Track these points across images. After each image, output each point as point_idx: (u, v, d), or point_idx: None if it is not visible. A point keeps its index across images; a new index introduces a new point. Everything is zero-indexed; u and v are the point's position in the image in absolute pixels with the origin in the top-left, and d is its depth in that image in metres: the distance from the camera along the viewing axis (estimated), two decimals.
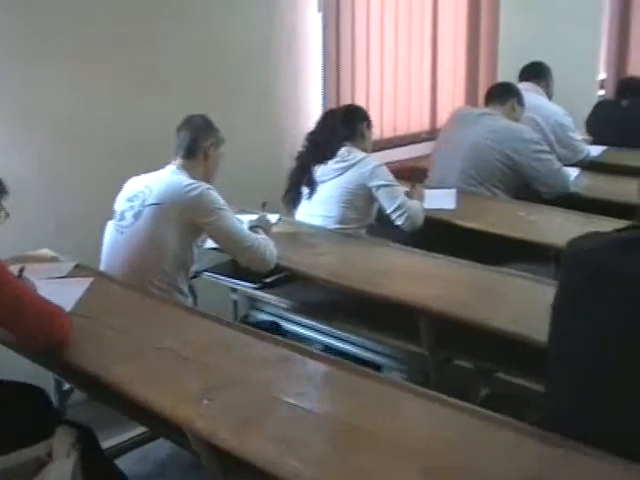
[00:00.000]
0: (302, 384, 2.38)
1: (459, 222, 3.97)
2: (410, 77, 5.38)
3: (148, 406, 2.32)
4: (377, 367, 3.71)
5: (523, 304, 2.96)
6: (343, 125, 3.96)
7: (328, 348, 3.85)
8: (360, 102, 4.99)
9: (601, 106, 6.07)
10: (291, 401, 2.25)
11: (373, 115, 5.05)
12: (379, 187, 3.84)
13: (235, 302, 4.06)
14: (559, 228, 3.73)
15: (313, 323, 3.74)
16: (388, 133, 5.29)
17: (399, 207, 3.83)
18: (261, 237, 3.42)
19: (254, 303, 4.02)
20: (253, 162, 4.37)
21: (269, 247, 3.38)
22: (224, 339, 2.72)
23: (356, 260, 3.52)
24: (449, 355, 3.18)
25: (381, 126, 5.22)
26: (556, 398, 2.19)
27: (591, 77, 7.25)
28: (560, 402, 2.17)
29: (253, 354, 2.59)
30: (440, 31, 5.54)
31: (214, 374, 2.43)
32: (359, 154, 3.89)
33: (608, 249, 2.15)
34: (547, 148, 4.55)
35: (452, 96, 5.70)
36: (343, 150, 3.89)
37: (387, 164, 5.06)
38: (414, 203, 3.93)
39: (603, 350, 2.09)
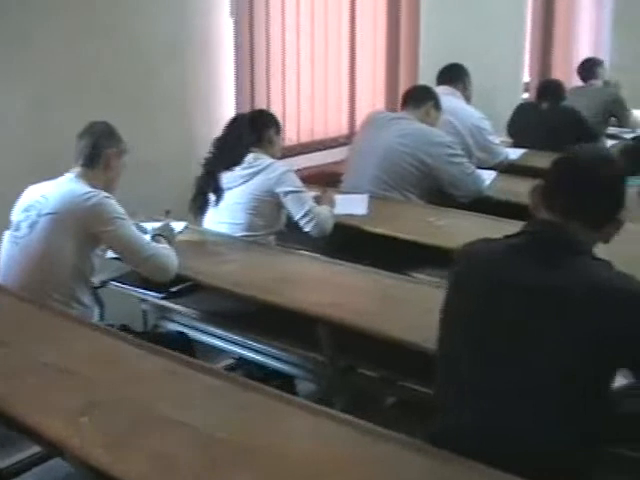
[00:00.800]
0: (187, 399, 2.32)
1: (368, 228, 3.92)
2: (327, 81, 5.33)
3: (26, 424, 2.24)
4: (290, 378, 3.68)
5: (423, 312, 2.91)
6: (250, 131, 3.89)
7: (242, 359, 3.80)
8: (276, 107, 4.94)
9: (521, 109, 6.08)
10: (174, 417, 2.19)
11: (290, 120, 5.03)
12: (287, 193, 3.78)
13: (145, 312, 3.97)
14: (466, 232, 3.68)
15: (224, 333, 3.66)
16: (305, 138, 5.23)
17: (307, 213, 3.78)
18: (161, 247, 3.34)
19: (163, 313, 3.93)
20: (162, 169, 4.28)
21: (170, 257, 3.31)
22: (113, 352, 2.64)
23: (260, 268, 3.45)
24: (351, 364, 3.13)
25: (298, 131, 5.17)
26: (445, 411, 2.15)
27: (515, 80, 7.27)
28: (448, 415, 2.13)
29: (141, 368, 2.53)
30: (358, 34, 5.49)
31: (97, 389, 2.36)
32: (266, 160, 3.82)
33: (497, 256, 2.13)
34: (460, 152, 4.53)
35: (372, 100, 5.67)
36: (250, 156, 3.83)
37: (304, 169, 5.05)
38: (323, 209, 3.88)
39: (490, 362, 2.06)
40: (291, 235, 3.97)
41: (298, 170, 4.91)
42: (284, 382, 3.85)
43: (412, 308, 2.98)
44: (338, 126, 5.45)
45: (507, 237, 2.17)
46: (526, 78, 7.57)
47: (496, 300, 2.06)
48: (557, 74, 7.70)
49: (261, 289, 3.19)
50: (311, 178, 4.85)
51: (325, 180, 4.79)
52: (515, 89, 7.21)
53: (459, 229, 3.82)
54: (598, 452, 2.07)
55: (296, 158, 5.05)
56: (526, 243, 2.10)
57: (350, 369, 3.15)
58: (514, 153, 5.52)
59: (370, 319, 2.85)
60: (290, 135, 5.11)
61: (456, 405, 2.10)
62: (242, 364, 3.90)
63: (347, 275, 3.33)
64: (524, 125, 5.92)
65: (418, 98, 4.68)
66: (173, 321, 3.89)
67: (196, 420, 2.17)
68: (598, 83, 6.70)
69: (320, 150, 5.29)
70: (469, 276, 2.15)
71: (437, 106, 4.70)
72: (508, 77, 7.10)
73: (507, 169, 5.21)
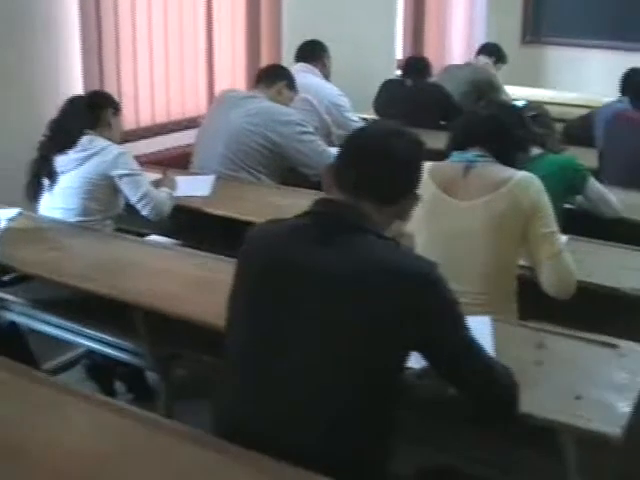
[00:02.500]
0: None
1: (209, 209, 3.83)
2: (184, 60, 5.18)
3: None
4: (139, 369, 3.58)
5: None
6: (87, 112, 3.75)
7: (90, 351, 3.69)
8: (128, 88, 4.80)
9: (387, 85, 6.03)
10: None
11: (143, 101, 4.88)
12: (122, 176, 3.65)
13: None
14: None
15: (62, 322, 3.53)
16: (161, 119, 5.09)
17: (143, 196, 3.66)
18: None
19: (3, 303, 3.77)
20: (7, 153, 4.08)
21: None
22: None
23: (86, 255, 3.33)
24: (175, 352, 3.03)
25: (153, 112, 5.02)
26: (231, 398, 2.07)
27: (389, 57, 7.23)
28: (235, 402, 2.05)
29: None
30: (215, 9, 5.34)
31: None
32: (102, 142, 3.68)
33: (278, 238, 2.05)
34: (311, 130, 4.45)
35: (232, 78, 5.54)
36: (85, 139, 3.68)
37: (160, 151, 4.93)
38: (160, 192, 3.78)
39: (270, 347, 1.98)
40: (134, 218, 3.85)
41: (152, 153, 4.83)
42: (132, 371, 3.76)
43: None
44: (197, 106, 5.31)
45: (296, 217, 2.09)
46: (400, 55, 7.52)
47: (274, 283, 1.99)
48: (430, 51, 7.71)
49: (82, 277, 3.06)
50: (166, 160, 4.75)
51: (182, 161, 4.67)
52: (388, 66, 7.17)
53: (299, 209, 3.73)
54: (391, 444, 2.00)
55: (150, 140, 4.92)
56: (309, 223, 2.02)
57: (174, 357, 3.05)
58: None
59: (181, 304, 2.75)
60: (144, 117, 4.96)
61: (241, 392, 2.02)
62: (89, 353, 3.81)
63: (172, 260, 3.23)
64: (389, 102, 5.89)
65: (270, 77, 4.59)
66: (13, 311, 3.74)
67: None
68: (477, 62, 6.71)
69: (177, 131, 5.14)
70: (251, 258, 2.07)
71: (290, 85, 4.61)
72: (381, 54, 7.07)
73: None
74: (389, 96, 5.92)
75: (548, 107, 6.63)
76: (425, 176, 2.81)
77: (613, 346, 2.39)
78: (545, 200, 2.78)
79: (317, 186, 4.22)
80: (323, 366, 1.89)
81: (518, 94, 7.12)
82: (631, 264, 3.13)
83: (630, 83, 4.97)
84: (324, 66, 5.27)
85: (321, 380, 1.89)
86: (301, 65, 5.19)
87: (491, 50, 6.84)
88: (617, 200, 3.80)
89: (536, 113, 3.77)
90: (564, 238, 3.23)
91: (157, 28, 4.99)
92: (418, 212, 2.84)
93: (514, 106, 3.16)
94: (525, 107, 3.87)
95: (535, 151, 3.65)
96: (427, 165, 2.90)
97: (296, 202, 3.75)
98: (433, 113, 5.64)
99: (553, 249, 2.75)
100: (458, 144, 2.95)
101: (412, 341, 1.92)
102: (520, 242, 2.79)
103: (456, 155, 2.91)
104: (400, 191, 2.08)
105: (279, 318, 1.96)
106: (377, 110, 6.01)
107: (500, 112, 2.99)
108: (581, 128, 5.33)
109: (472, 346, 1.98)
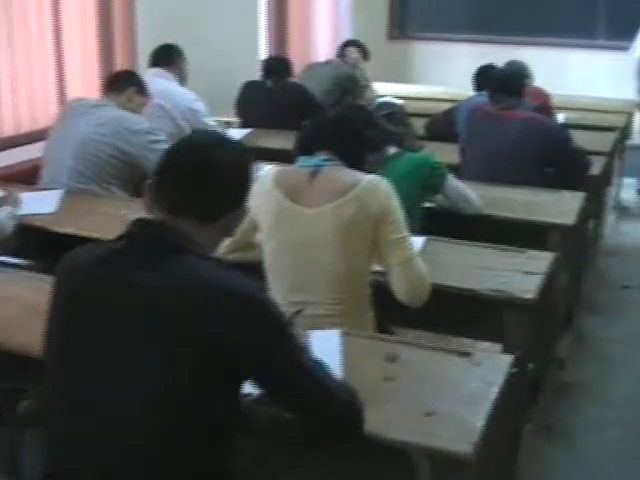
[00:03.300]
0: None
1: (55, 227, 3.59)
2: (32, 68, 4.91)
3: None
4: None
5: None
6: None
7: None
8: None
9: (247, 87, 5.87)
10: None
11: None
12: None
13: None
14: None
15: None
16: (8, 131, 4.81)
17: None
18: None
19: None
20: None
21: None
22: None
23: None
24: (16, 385, 2.81)
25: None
26: (52, 445, 1.87)
27: (252, 59, 7.07)
28: (56, 450, 1.85)
29: None
30: (64, 14, 5.08)
31: None
32: None
33: (91, 263, 1.87)
34: (164, 138, 4.26)
35: (85, 86, 5.30)
36: None
37: (10, 166, 4.66)
38: (0, 211, 3.54)
39: (81, 384, 1.80)
40: None
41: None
42: None
43: None
44: (47, 117, 5.04)
45: (111, 241, 1.91)
46: (264, 55, 7.36)
47: (84, 317, 1.81)
48: (295, 50, 7.58)
49: None
50: (16, 175, 4.49)
51: (32, 176, 4.42)
52: (252, 68, 7.00)
53: None
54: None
55: None
56: (124, 247, 1.85)
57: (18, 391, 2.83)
58: (237, 133, 5.31)
59: (16, 333, 2.54)
60: None
61: (61, 438, 1.83)
62: None
63: (9, 284, 3.00)
64: (250, 104, 5.75)
65: (120, 83, 4.38)
66: None
67: None
68: (347, 57, 6.63)
69: (27, 144, 4.87)
70: (61, 291, 1.89)
71: (141, 91, 4.41)
72: (244, 56, 6.91)
73: None
74: (250, 98, 5.78)
75: (415, 102, 6.71)
76: (270, 184, 2.69)
77: (467, 355, 2.29)
78: (394, 204, 2.67)
79: None
80: (136, 407, 1.72)
81: (385, 90, 7.10)
82: (489, 264, 3.06)
83: (486, 78, 4.93)
84: (180, 70, 5.08)
85: (134, 425, 1.72)
86: (155, 70, 5.00)
87: (356, 46, 6.77)
88: (477, 196, 3.74)
89: (391, 111, 3.68)
90: (421, 240, 3.15)
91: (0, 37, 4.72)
92: (265, 221, 2.72)
93: (363, 106, 3.05)
94: (380, 106, 3.78)
95: (391, 150, 3.56)
96: (272, 172, 2.78)
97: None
98: (294, 113, 5.49)
99: (404, 255, 2.64)
100: (305, 148, 2.82)
101: (242, 369, 1.77)
102: (371, 248, 2.68)
103: (302, 160, 2.78)
104: (223, 207, 1.92)
105: (85, 353, 1.78)
106: (238, 113, 5.86)
107: (348, 112, 2.87)
108: (444, 123, 5.30)
109: (307, 368, 1.83)
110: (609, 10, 8.38)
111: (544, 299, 2.95)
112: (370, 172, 2.77)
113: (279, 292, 2.74)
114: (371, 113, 2.96)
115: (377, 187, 2.66)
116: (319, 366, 1.88)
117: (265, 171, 2.83)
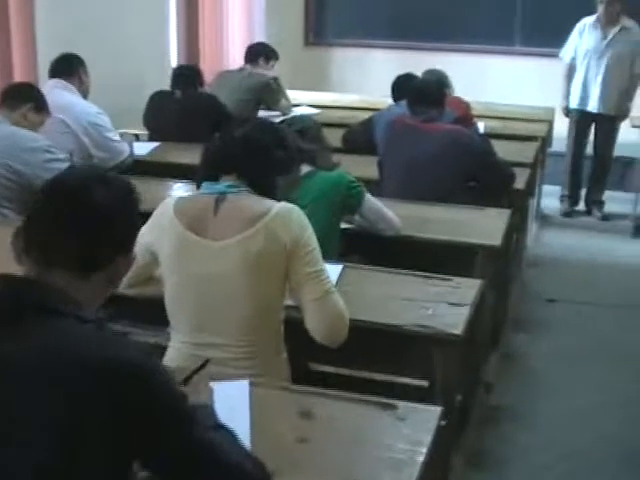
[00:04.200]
0: None
1: None
2: None
3: None
4: None
5: None
6: None
7: None
8: None
9: (155, 98, 5.55)
10: None
11: None
12: None
13: None
14: None
15: None
16: None
17: None
18: None
19: None
20: None
21: None
22: None
23: None
24: None
25: None
26: None
27: (162, 67, 6.76)
28: None
29: None
30: None
31: None
32: None
33: None
34: (61, 156, 3.96)
35: None
36: None
37: None
38: None
39: None
40: None
41: None
42: None
43: None
44: None
45: None
46: (175, 64, 7.06)
47: None
48: (207, 58, 7.29)
49: None
50: None
51: None
52: (162, 77, 6.69)
53: None
54: None
55: None
56: None
57: None
58: (142, 148, 5.02)
59: None
60: None
61: None
62: None
63: None
64: (158, 115, 5.45)
65: (14, 99, 4.05)
66: None
67: None
68: (254, 68, 6.32)
69: None
70: None
71: (38, 107, 4.08)
72: (154, 64, 6.60)
73: (133, 168, 4.69)
74: (158, 109, 5.47)
75: (332, 111, 6.50)
76: (170, 214, 2.43)
77: (392, 407, 2.04)
78: (308, 234, 2.42)
79: None
80: None
81: (301, 98, 6.89)
82: (412, 294, 2.83)
83: (405, 88, 4.72)
84: (82, 82, 4.74)
85: None
86: (55, 81, 4.66)
87: (262, 51, 6.47)
88: (396, 216, 3.52)
89: (303, 126, 3.44)
90: (338, 269, 2.92)
91: None
92: (165, 255, 2.46)
93: (273, 123, 2.78)
94: (292, 120, 3.54)
95: (305, 169, 3.33)
96: (173, 200, 2.51)
97: None
98: (205, 125, 5.18)
99: (319, 290, 2.39)
100: (209, 172, 2.55)
101: (128, 451, 1.50)
102: (284, 283, 2.43)
103: (206, 186, 2.51)
104: (105, 254, 1.65)
105: None
106: (147, 125, 5.56)
107: (256, 131, 2.60)
108: (361, 133, 5.07)
109: (206, 443, 1.57)
110: (526, 17, 8.29)
111: (472, 327, 2.74)
112: (281, 197, 2.52)
113: (182, 333, 2.49)
114: (282, 131, 2.69)
115: (288, 216, 2.41)
116: (223, 439, 1.62)
117: (165, 200, 2.55)
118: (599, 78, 6.54)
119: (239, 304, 2.40)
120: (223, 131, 2.63)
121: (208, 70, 7.16)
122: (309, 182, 3.31)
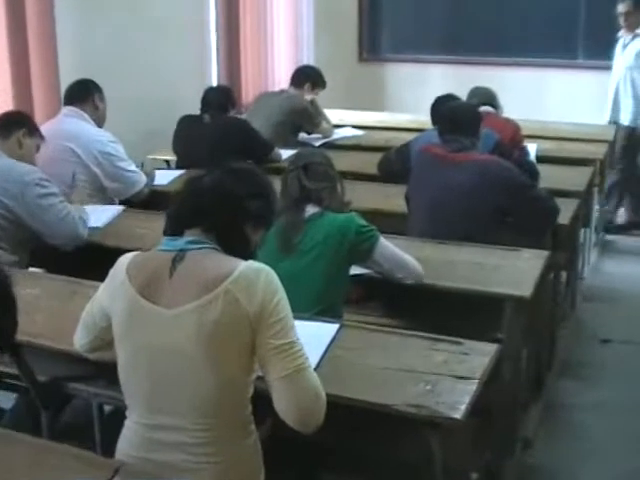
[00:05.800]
0: None
1: None
2: None
3: None
4: None
5: None
6: None
7: None
8: None
9: (183, 123, 5.23)
10: None
11: None
12: None
13: None
14: None
15: None
16: None
17: None
18: None
19: None
20: None
21: None
22: None
23: None
24: None
25: None
26: None
27: (201, 90, 6.47)
28: None
29: None
30: None
31: None
32: None
33: None
34: (54, 190, 3.70)
35: None
36: None
37: None
38: None
39: None
40: None
41: None
42: None
43: None
44: None
45: None
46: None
47: None
48: (249, 79, 6.97)
49: None
50: None
51: None
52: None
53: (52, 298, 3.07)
54: None
55: None
56: None
57: None
58: (164, 176, 4.73)
59: None
60: None
61: None
62: None
63: None
64: (187, 141, 5.13)
65: (5, 128, 3.82)
66: None
67: None
68: (294, 91, 5.97)
69: None
70: None
71: (31, 131, 3.87)
72: (192, 87, 6.28)
73: (150, 199, 4.42)
74: (186, 134, 5.16)
75: (378, 132, 6.12)
76: (123, 275, 2.10)
77: None
78: (277, 300, 2.06)
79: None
80: None
81: (347, 119, 6.54)
82: (412, 363, 2.44)
83: (436, 113, 4.32)
84: (96, 108, 4.45)
85: None
86: (69, 109, 4.40)
87: (310, 76, 6.08)
88: (416, 261, 3.15)
89: (308, 162, 3.09)
90: (334, 328, 2.57)
91: None
92: (117, 323, 2.14)
93: (252, 169, 2.42)
94: (297, 157, 3.20)
95: (310, 210, 3.00)
96: (127, 259, 2.19)
97: (47, 290, 3.06)
98: (235, 152, 4.88)
99: (287, 366, 2.02)
100: (173, 226, 2.23)
101: None
102: (250, 356, 2.08)
103: (165, 242, 2.18)
104: None
105: None
106: (175, 150, 5.27)
107: (230, 179, 2.26)
108: (396, 161, 4.63)
109: None
110: (589, 27, 7.78)
111: (485, 402, 2.35)
112: (254, 257, 2.19)
113: (136, 413, 2.16)
114: (262, 179, 2.33)
115: (254, 279, 2.06)
116: None
117: (121, 257, 2.22)
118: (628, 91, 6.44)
119: (195, 381, 2.06)
120: (191, 178, 2.30)
121: (251, 92, 6.88)
122: (314, 225, 2.98)
